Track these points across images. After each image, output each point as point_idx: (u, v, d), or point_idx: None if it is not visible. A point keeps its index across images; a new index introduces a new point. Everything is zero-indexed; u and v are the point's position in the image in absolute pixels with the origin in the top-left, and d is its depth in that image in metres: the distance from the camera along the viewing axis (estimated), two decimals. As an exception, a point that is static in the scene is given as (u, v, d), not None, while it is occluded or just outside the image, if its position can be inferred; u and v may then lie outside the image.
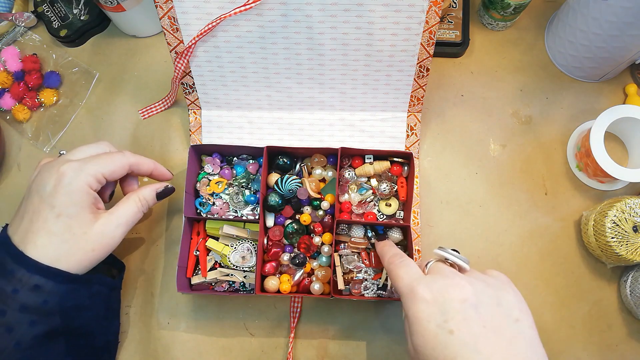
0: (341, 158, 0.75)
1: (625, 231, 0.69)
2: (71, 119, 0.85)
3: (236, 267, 0.71)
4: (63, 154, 0.65)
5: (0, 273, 0.56)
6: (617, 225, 0.69)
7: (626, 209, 0.69)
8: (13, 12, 0.89)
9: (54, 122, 0.84)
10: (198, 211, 0.76)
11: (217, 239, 0.74)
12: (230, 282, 0.73)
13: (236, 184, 0.76)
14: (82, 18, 0.87)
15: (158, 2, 0.67)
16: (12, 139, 0.84)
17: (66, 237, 0.58)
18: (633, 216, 0.69)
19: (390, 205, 0.75)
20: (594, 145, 0.73)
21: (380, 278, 0.71)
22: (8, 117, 0.84)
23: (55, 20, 0.86)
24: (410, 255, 0.69)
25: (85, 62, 0.88)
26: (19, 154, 0.83)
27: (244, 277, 0.72)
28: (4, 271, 0.56)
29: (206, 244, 0.73)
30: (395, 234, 0.72)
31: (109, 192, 0.69)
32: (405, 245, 0.73)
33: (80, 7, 0.87)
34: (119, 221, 0.63)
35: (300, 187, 0.73)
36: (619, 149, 0.81)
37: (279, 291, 0.70)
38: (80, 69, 0.87)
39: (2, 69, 0.85)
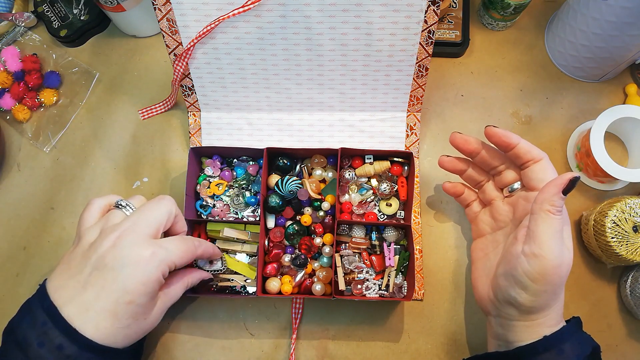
0: (341, 158, 0.75)
1: (625, 231, 0.69)
2: (71, 119, 0.85)
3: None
4: (122, 205, 0.62)
5: (47, 346, 0.53)
6: (617, 225, 0.69)
7: (626, 209, 0.69)
8: (13, 12, 0.89)
9: (54, 122, 0.84)
10: (199, 213, 0.76)
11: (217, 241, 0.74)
12: (232, 286, 0.73)
13: (236, 185, 0.76)
14: (82, 18, 0.86)
15: (156, 4, 0.67)
16: (12, 139, 0.84)
17: (129, 322, 0.56)
18: (633, 216, 0.69)
19: (390, 205, 0.75)
20: (594, 145, 0.72)
21: (382, 278, 0.71)
22: (8, 117, 0.84)
23: (55, 20, 0.86)
24: (412, 256, 0.69)
25: (85, 62, 0.88)
26: (18, 154, 0.83)
27: (245, 280, 0.72)
28: (50, 344, 0.53)
29: None
30: (391, 233, 0.72)
31: None
32: (406, 245, 0.73)
33: (80, 7, 0.87)
34: (169, 303, 0.62)
35: (300, 188, 0.73)
36: (619, 149, 0.81)
37: (280, 292, 0.71)
38: (80, 69, 0.87)
39: (2, 69, 0.85)
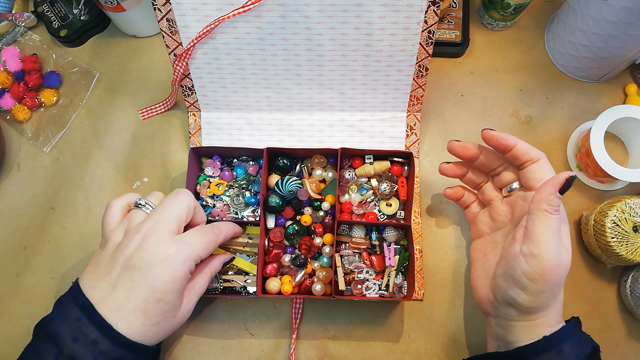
0: (341, 158, 0.75)
1: (625, 231, 0.69)
2: (71, 119, 0.85)
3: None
4: (141, 204, 0.63)
5: (82, 341, 0.54)
6: (617, 225, 0.69)
7: (626, 209, 0.69)
8: (13, 12, 0.89)
9: (54, 122, 0.84)
10: (199, 213, 0.76)
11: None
12: (232, 287, 0.73)
13: (236, 185, 0.76)
14: (82, 18, 0.86)
15: (156, 5, 0.67)
16: (12, 139, 0.84)
17: (158, 320, 0.57)
18: (633, 216, 0.69)
19: (390, 205, 0.75)
20: (594, 145, 0.72)
21: (382, 278, 0.71)
22: (8, 117, 0.84)
23: (55, 20, 0.86)
24: (412, 256, 0.69)
25: (85, 62, 0.88)
26: (19, 154, 0.83)
27: (245, 280, 0.72)
28: (85, 339, 0.54)
29: None
30: (391, 233, 0.72)
31: None
32: (406, 245, 0.73)
33: (80, 7, 0.87)
34: (196, 297, 0.63)
35: (300, 188, 0.73)
36: (619, 149, 0.81)
37: (280, 292, 0.71)
38: (80, 69, 0.87)
39: (2, 69, 0.85)
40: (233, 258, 0.70)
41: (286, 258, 0.72)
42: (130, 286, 0.56)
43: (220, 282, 0.71)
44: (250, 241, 0.73)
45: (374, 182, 0.75)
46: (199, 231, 0.62)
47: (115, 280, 0.56)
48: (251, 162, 0.78)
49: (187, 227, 0.65)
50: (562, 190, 0.56)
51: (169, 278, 0.56)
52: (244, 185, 0.76)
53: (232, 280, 0.72)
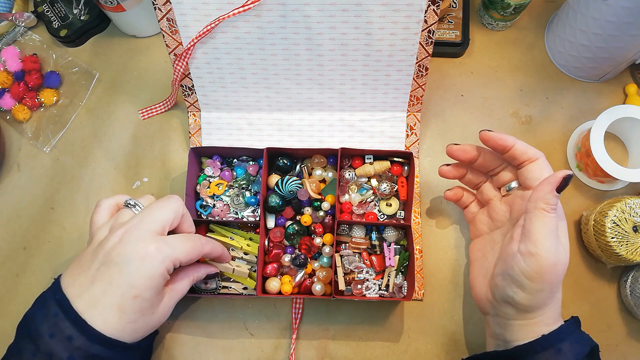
0: (341, 158, 0.75)
1: (625, 231, 0.69)
2: (71, 119, 0.85)
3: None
4: (130, 204, 0.63)
5: (58, 337, 0.53)
6: (617, 225, 0.69)
7: (626, 209, 0.69)
8: (13, 12, 0.89)
9: (54, 122, 0.84)
10: (199, 213, 0.76)
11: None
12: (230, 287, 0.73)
13: (236, 185, 0.76)
14: (82, 18, 0.86)
15: (157, 4, 0.67)
16: (12, 139, 0.84)
17: (136, 317, 0.57)
18: (633, 216, 0.69)
19: (390, 205, 0.75)
20: (594, 145, 0.72)
21: (382, 278, 0.71)
22: (8, 117, 0.84)
23: (55, 20, 0.86)
24: (412, 256, 0.69)
25: (85, 62, 0.88)
26: (19, 154, 0.83)
27: (243, 288, 0.72)
28: (61, 335, 0.53)
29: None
30: (391, 233, 0.72)
31: None
32: (406, 245, 0.73)
33: (80, 7, 0.87)
34: (176, 298, 0.63)
35: (300, 188, 0.73)
36: (619, 149, 0.81)
37: (280, 292, 0.71)
38: (80, 69, 0.87)
39: (2, 69, 0.85)
40: (218, 274, 0.70)
41: (286, 258, 0.72)
42: (108, 281, 0.55)
43: (220, 285, 0.71)
44: (245, 256, 0.73)
45: (374, 182, 0.75)
46: (184, 236, 0.62)
47: (93, 275, 0.56)
48: (251, 162, 0.78)
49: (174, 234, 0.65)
50: (559, 188, 0.56)
51: (146, 274, 0.56)
52: (244, 185, 0.76)
53: (230, 288, 0.72)
